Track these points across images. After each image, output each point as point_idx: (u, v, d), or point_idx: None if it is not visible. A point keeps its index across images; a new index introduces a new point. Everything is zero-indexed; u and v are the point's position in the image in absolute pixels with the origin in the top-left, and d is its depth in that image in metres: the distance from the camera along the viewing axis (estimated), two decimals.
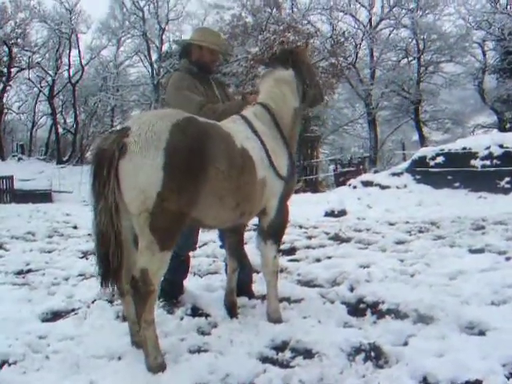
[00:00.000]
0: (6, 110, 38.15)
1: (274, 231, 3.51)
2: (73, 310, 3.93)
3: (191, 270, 4.38)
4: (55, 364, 2.88)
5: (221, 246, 4.51)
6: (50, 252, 6.70)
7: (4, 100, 36.65)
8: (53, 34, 36.33)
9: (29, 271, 5.47)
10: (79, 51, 38.09)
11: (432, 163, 16.73)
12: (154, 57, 38.88)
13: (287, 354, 3.03)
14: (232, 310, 3.74)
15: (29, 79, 38.01)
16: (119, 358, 2.95)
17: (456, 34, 30.97)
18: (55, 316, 3.83)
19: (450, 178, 15.70)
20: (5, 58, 34.58)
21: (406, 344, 3.11)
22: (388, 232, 8.01)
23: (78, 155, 39.07)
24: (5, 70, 34.50)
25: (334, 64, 25.73)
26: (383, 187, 16.89)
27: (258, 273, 4.36)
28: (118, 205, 2.66)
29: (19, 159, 33.50)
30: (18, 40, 34.73)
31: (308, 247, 6.75)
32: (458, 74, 31.73)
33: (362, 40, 32.49)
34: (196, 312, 3.82)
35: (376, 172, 21.07)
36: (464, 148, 16.33)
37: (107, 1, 39.54)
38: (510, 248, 6.02)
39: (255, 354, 2.99)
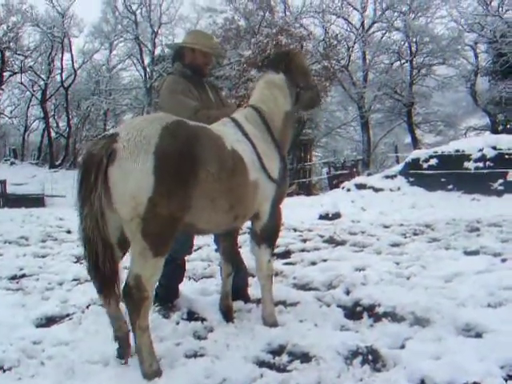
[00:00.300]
0: None
1: (267, 235, 3.50)
2: (67, 315, 3.90)
3: (186, 273, 4.35)
4: (50, 370, 2.85)
5: (216, 250, 4.48)
6: (43, 257, 6.65)
7: None
8: (45, 38, 36.12)
9: (22, 276, 5.42)
10: (72, 55, 37.98)
11: (425, 165, 16.84)
12: (147, 60, 38.77)
13: (284, 357, 3.01)
14: (228, 314, 3.72)
15: (21, 83, 37.83)
16: (114, 364, 2.91)
17: (448, 36, 31.09)
18: (49, 321, 3.80)
19: (443, 180, 15.80)
20: None
21: (402, 347, 3.10)
22: (383, 234, 8.02)
23: (71, 159, 38.83)
24: None
25: (327, 67, 25.83)
26: (377, 190, 16.98)
27: (253, 277, 4.33)
28: (104, 211, 2.61)
29: (12, 163, 33.40)
30: (11, 44, 34.45)
31: (303, 250, 6.74)
32: (450, 77, 31.83)
33: (355, 43, 32.58)
34: (192, 316, 3.80)
35: (369, 175, 21.16)
36: (457, 150, 16.44)
37: (99, 4, 39.41)
38: (505, 250, 6.04)
39: (252, 358, 2.98)
